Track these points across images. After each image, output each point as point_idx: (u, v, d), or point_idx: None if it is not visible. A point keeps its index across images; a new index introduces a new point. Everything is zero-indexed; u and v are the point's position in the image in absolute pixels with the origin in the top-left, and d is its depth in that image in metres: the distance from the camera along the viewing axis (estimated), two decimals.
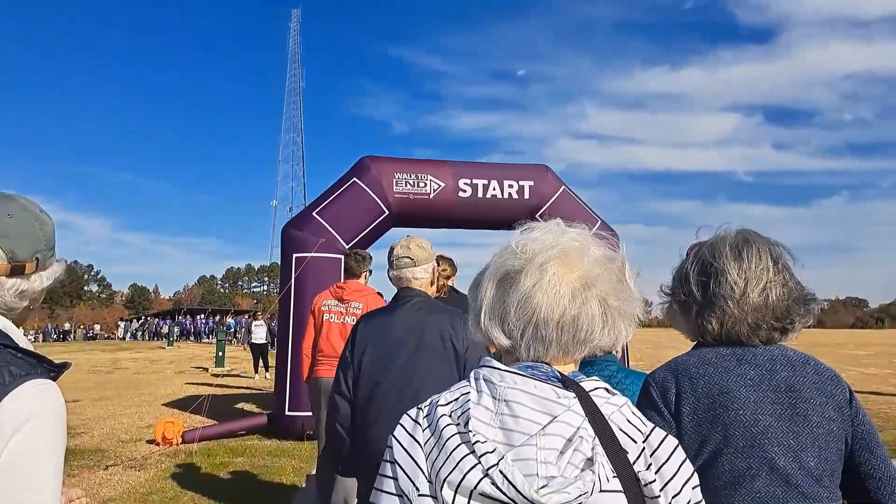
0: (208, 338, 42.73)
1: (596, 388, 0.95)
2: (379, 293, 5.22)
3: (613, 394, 0.97)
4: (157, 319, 54.77)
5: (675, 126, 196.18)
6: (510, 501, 0.84)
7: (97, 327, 53.88)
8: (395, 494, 0.95)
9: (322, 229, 8.39)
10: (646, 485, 0.90)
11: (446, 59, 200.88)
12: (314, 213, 8.53)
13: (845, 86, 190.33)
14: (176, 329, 43.46)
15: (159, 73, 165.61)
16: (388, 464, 0.98)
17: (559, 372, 0.96)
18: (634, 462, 0.91)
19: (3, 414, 1.05)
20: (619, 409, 0.95)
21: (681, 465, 0.94)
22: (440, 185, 8.89)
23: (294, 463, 6.99)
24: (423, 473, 0.92)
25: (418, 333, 2.50)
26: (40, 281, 1.29)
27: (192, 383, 15.59)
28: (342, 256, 8.49)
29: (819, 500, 1.32)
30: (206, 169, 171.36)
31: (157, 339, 43.87)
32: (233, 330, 30.36)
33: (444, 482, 0.88)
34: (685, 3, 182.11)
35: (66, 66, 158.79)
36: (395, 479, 0.95)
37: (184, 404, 11.42)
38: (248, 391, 13.91)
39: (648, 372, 1.52)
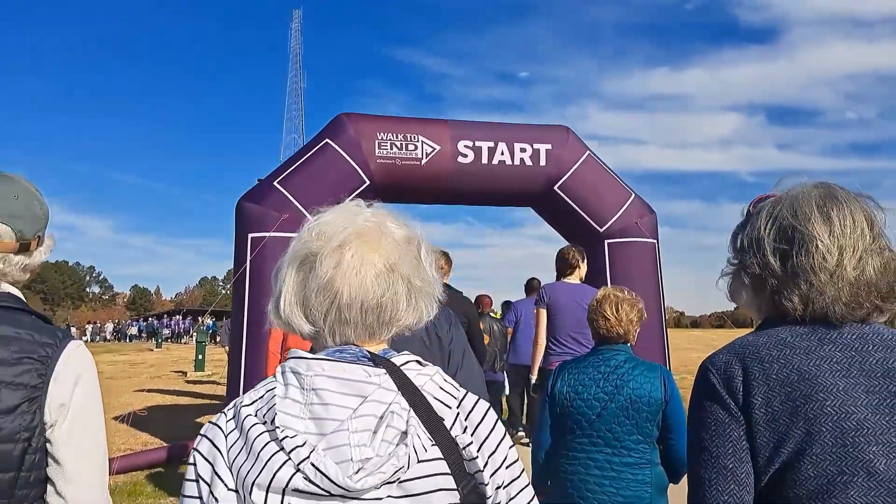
0: (179, 340, 41.27)
1: (407, 362, 0.96)
2: None
3: (425, 365, 0.97)
4: (127, 321, 53.98)
5: (677, 127, 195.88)
6: (324, 492, 0.83)
7: (74, 330, 52.20)
8: None
9: (285, 203, 6.63)
10: (464, 447, 0.92)
11: (449, 61, 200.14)
12: (276, 183, 6.76)
13: (848, 85, 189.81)
14: (166, 330, 42.10)
15: (160, 73, 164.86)
16: (191, 482, 0.92)
17: (368, 351, 0.94)
18: (451, 427, 0.92)
19: (65, 366, 1.28)
20: (431, 378, 0.96)
21: (494, 425, 0.97)
22: (434, 149, 7.10)
23: None
24: (223, 482, 0.88)
25: None
26: (39, 256, 1.42)
27: (162, 390, 13.89)
28: None
29: None
30: (208, 169, 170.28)
31: (147, 340, 42.40)
32: (211, 331, 28.57)
33: (252, 485, 0.85)
34: (686, 3, 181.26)
35: (70, 67, 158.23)
36: (199, 497, 0.90)
37: (139, 418, 9.71)
38: (219, 402, 12.16)
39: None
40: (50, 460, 1.26)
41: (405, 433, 0.87)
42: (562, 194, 7.37)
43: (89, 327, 52.13)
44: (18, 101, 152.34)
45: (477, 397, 0.99)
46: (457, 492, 0.88)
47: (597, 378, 2.48)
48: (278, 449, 0.84)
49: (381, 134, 7.00)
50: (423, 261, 0.99)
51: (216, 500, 0.86)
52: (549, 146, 7.35)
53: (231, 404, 0.96)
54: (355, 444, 0.84)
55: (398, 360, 0.95)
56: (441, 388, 0.95)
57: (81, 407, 1.29)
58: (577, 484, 2.43)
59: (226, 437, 0.91)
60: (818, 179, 1.25)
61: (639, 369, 2.48)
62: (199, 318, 39.51)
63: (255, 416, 0.90)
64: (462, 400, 0.97)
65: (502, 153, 7.21)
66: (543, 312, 4.98)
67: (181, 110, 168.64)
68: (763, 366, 1.14)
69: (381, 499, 0.85)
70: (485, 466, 0.92)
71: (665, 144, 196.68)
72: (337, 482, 0.82)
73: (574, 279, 5.03)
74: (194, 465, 0.91)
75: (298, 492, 0.83)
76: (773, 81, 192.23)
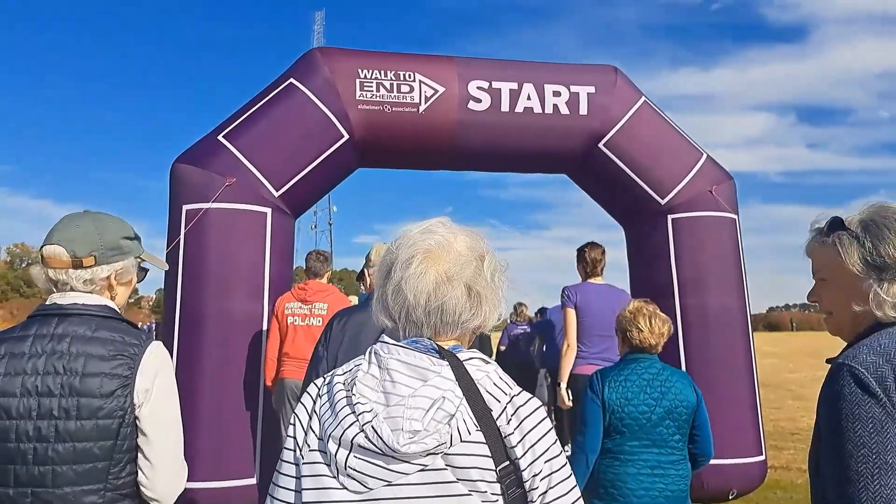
0: None
1: (471, 358, 1.14)
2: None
3: (488, 363, 1.15)
4: None
5: (705, 127, 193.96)
6: (379, 451, 1.04)
7: None
8: (292, 463, 1.13)
9: (233, 164, 4.89)
10: (506, 436, 1.09)
11: None
12: (221, 138, 5.01)
13: (880, 83, 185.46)
14: None
15: (186, 77, 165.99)
16: (290, 438, 1.15)
17: (437, 345, 1.13)
18: (498, 417, 1.10)
19: (148, 362, 1.67)
20: (488, 375, 1.13)
21: (541, 422, 1.13)
22: (437, 92, 5.28)
23: None
24: (315, 433, 1.12)
25: None
26: (101, 271, 1.74)
27: None
28: (269, 211, 4.98)
29: None
30: None
31: None
32: None
33: (329, 437, 1.08)
34: (713, 3, 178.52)
35: (102, 73, 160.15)
36: (294, 450, 1.13)
37: None
38: None
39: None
40: (139, 433, 1.65)
41: (453, 416, 1.05)
42: (609, 154, 5.50)
43: None
44: (57, 107, 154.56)
45: (530, 396, 1.15)
46: (494, 472, 1.05)
47: (642, 385, 2.75)
48: (350, 412, 1.06)
49: (365, 71, 5.19)
50: (486, 272, 1.17)
51: (308, 445, 1.11)
52: (591, 89, 5.48)
53: (329, 373, 1.18)
54: (408, 417, 1.04)
55: (463, 355, 1.13)
56: (495, 383, 1.13)
57: (160, 392, 1.68)
58: (632, 484, 2.68)
59: (316, 401, 1.15)
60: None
61: (675, 377, 2.80)
62: None
63: (343, 384, 1.12)
64: (514, 396, 1.13)
65: (529, 98, 5.37)
66: (573, 313, 4.74)
67: (204, 113, 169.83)
68: None
69: (426, 465, 1.04)
70: (524, 454, 1.08)
71: None
72: (388, 444, 1.02)
73: (600, 280, 4.89)
74: (293, 425, 1.15)
75: (360, 448, 1.04)
76: (802, 80, 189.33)
